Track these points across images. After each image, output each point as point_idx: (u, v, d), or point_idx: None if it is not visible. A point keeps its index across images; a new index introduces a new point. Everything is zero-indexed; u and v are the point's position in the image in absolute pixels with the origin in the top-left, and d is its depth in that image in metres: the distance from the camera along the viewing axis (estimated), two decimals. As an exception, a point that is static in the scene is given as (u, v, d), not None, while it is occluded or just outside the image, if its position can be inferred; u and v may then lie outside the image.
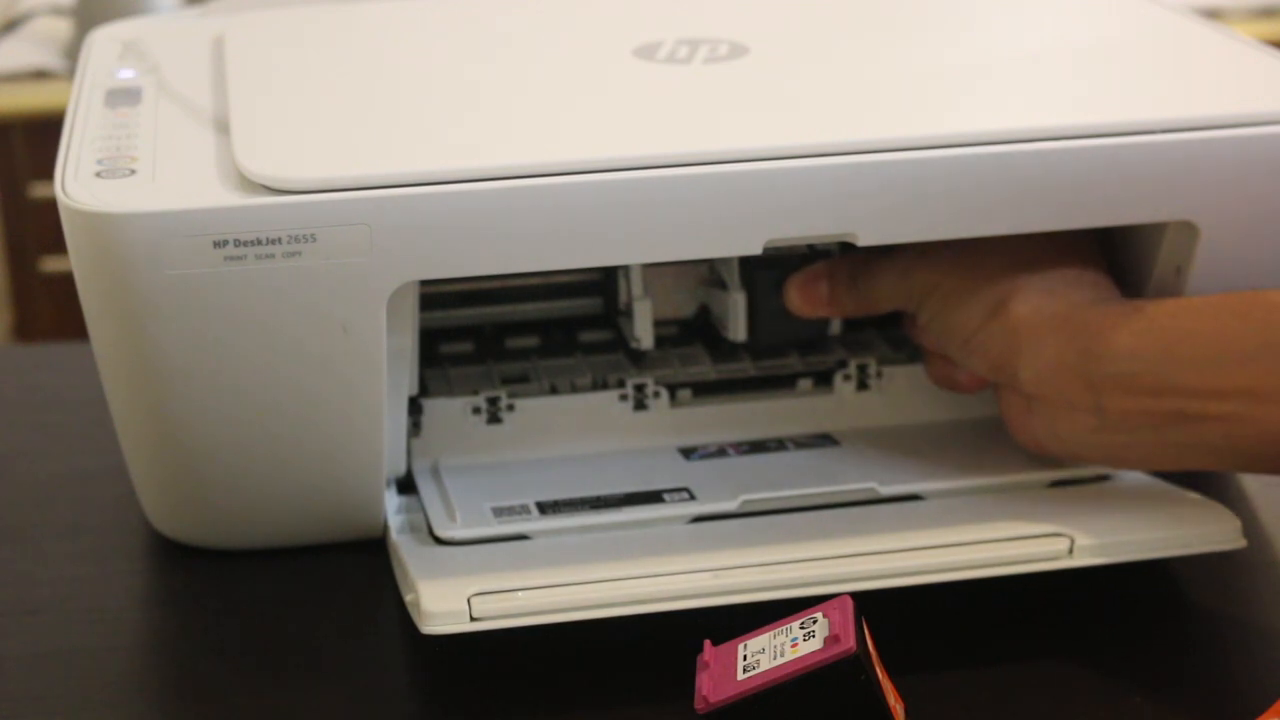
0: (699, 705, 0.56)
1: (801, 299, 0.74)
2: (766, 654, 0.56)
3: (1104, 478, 0.72)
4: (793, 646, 0.56)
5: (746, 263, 0.75)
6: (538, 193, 0.63)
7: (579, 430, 0.76)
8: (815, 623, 0.56)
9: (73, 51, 2.06)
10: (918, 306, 0.72)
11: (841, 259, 0.75)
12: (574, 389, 0.77)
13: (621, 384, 0.77)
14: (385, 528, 0.71)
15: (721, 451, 0.76)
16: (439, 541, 0.69)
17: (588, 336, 0.81)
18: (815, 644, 0.55)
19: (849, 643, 0.54)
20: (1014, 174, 0.66)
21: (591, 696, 0.64)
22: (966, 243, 0.70)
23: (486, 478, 0.74)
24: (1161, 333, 0.66)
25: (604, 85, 0.72)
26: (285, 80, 0.74)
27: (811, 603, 0.58)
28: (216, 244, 0.62)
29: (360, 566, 0.71)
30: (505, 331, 0.81)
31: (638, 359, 0.78)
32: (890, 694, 0.57)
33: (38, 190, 2.03)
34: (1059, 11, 0.83)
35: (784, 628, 0.57)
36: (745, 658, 0.56)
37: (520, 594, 0.63)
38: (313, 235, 0.62)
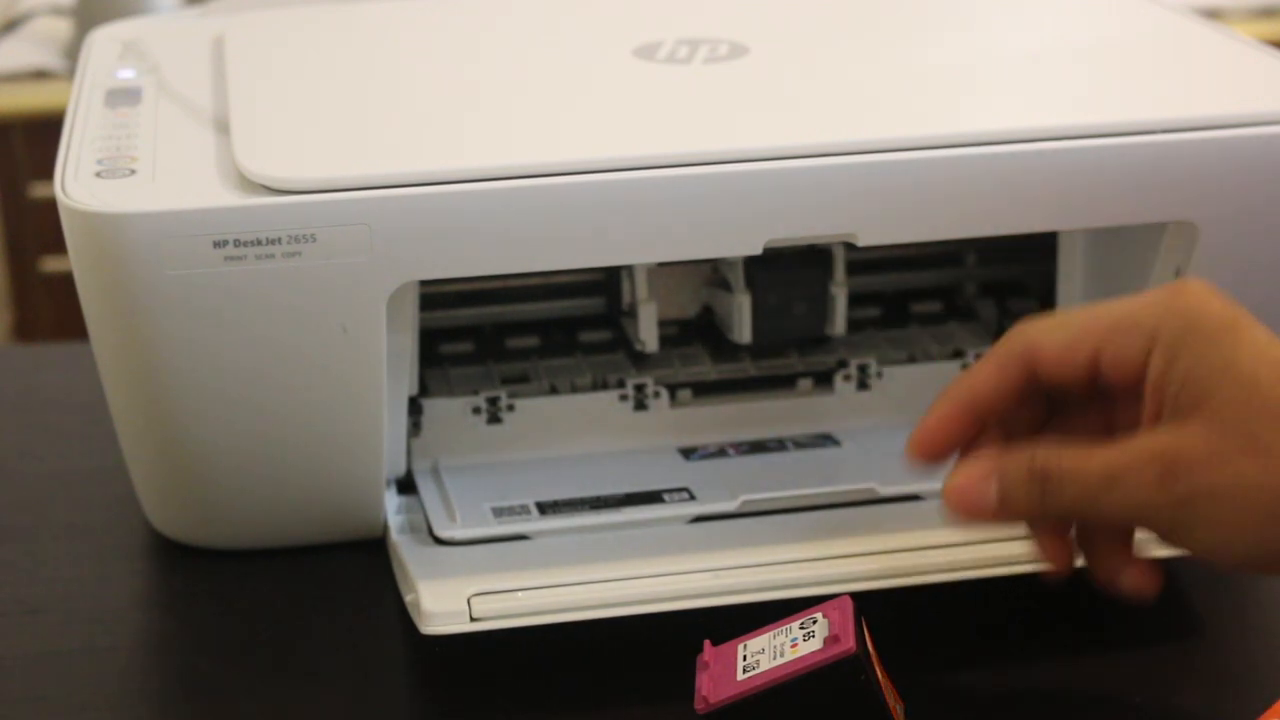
0: (699, 705, 0.56)
1: (961, 503, 0.58)
2: (766, 654, 0.56)
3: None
4: (792, 647, 0.56)
5: (750, 261, 0.75)
6: (538, 193, 0.63)
7: (579, 430, 0.76)
8: (815, 623, 0.56)
9: (73, 51, 2.06)
10: (1184, 534, 0.55)
11: (1020, 452, 0.57)
12: (574, 389, 0.77)
13: (621, 384, 0.77)
14: (385, 528, 0.71)
15: (721, 451, 0.76)
16: (439, 541, 0.69)
17: (588, 336, 0.80)
18: (815, 644, 0.55)
19: (849, 643, 0.54)
20: (1014, 174, 0.66)
21: (591, 696, 0.64)
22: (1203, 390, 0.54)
23: (486, 478, 0.73)
24: None
25: (604, 85, 0.72)
26: (285, 80, 0.74)
27: (811, 603, 0.58)
28: (216, 244, 0.62)
29: (360, 566, 0.71)
30: (505, 331, 0.81)
31: (638, 359, 0.78)
32: (890, 694, 0.57)
33: (38, 190, 2.03)
34: (1059, 11, 0.83)
35: (784, 628, 0.57)
36: (745, 658, 0.56)
37: (520, 594, 0.63)
38: (313, 235, 0.62)
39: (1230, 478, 0.52)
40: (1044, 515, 0.57)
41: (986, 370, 0.58)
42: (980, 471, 0.57)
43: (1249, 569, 0.55)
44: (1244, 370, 0.53)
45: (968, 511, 0.58)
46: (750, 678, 0.55)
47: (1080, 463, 0.55)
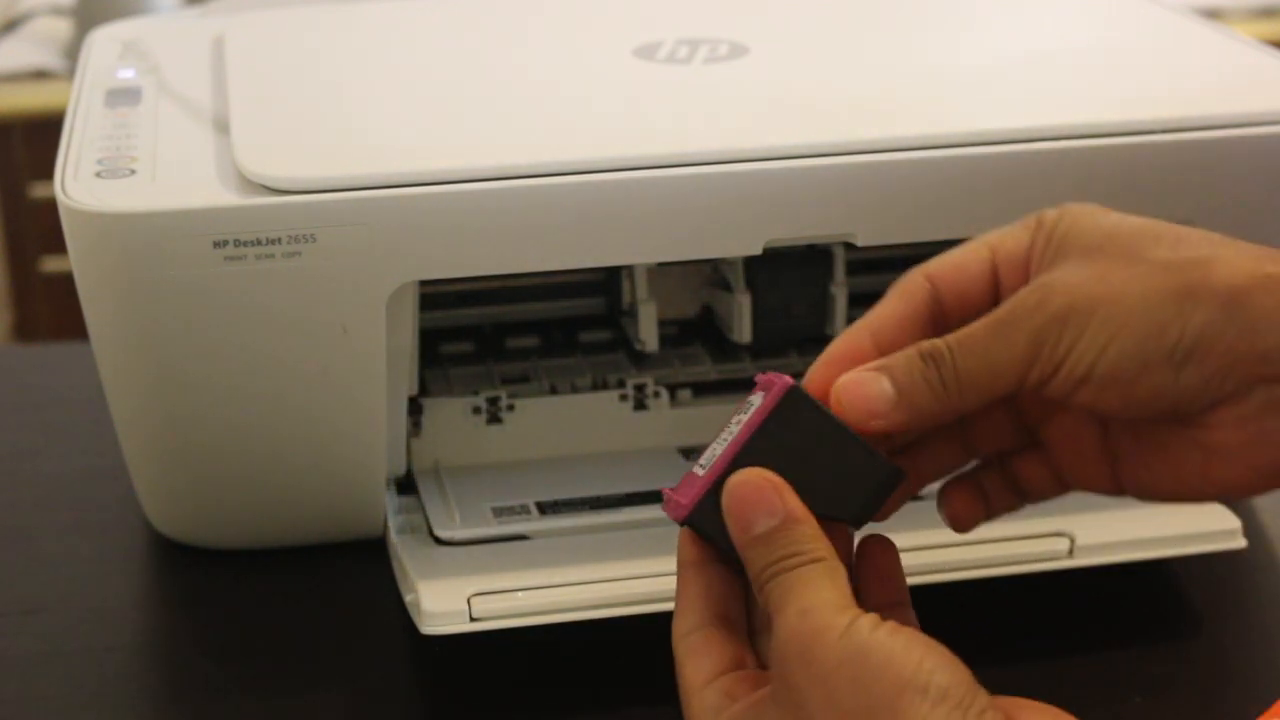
0: (676, 515, 0.53)
1: (855, 398, 0.53)
2: (715, 448, 0.53)
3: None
4: (736, 426, 0.52)
5: (750, 261, 0.75)
6: (538, 193, 0.63)
7: (579, 430, 0.76)
8: (748, 401, 0.53)
9: (73, 51, 2.06)
10: (1066, 353, 0.52)
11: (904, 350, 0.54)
12: (574, 389, 0.77)
13: (621, 384, 0.77)
14: (385, 528, 0.71)
15: (721, 451, 0.76)
16: (439, 541, 0.69)
17: (588, 336, 0.81)
18: (755, 404, 0.52)
19: (785, 379, 0.52)
20: (1014, 174, 0.66)
21: (591, 696, 0.64)
22: (1080, 245, 0.54)
23: (486, 478, 0.73)
24: None
25: (604, 85, 0.72)
26: (285, 80, 0.74)
27: None
28: (216, 244, 0.62)
29: (360, 566, 0.71)
30: (505, 331, 0.81)
31: (638, 359, 0.78)
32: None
33: (38, 190, 2.03)
34: (1059, 11, 0.83)
35: (720, 433, 0.53)
36: (699, 465, 0.53)
37: (520, 594, 0.63)
38: (313, 235, 0.62)
39: (1104, 286, 0.52)
40: (945, 402, 0.53)
41: (888, 303, 0.56)
42: (870, 369, 0.53)
43: (1124, 388, 0.52)
44: (1110, 219, 0.54)
45: (864, 407, 0.53)
46: (710, 469, 0.52)
47: (964, 331, 0.53)
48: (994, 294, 0.55)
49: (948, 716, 0.47)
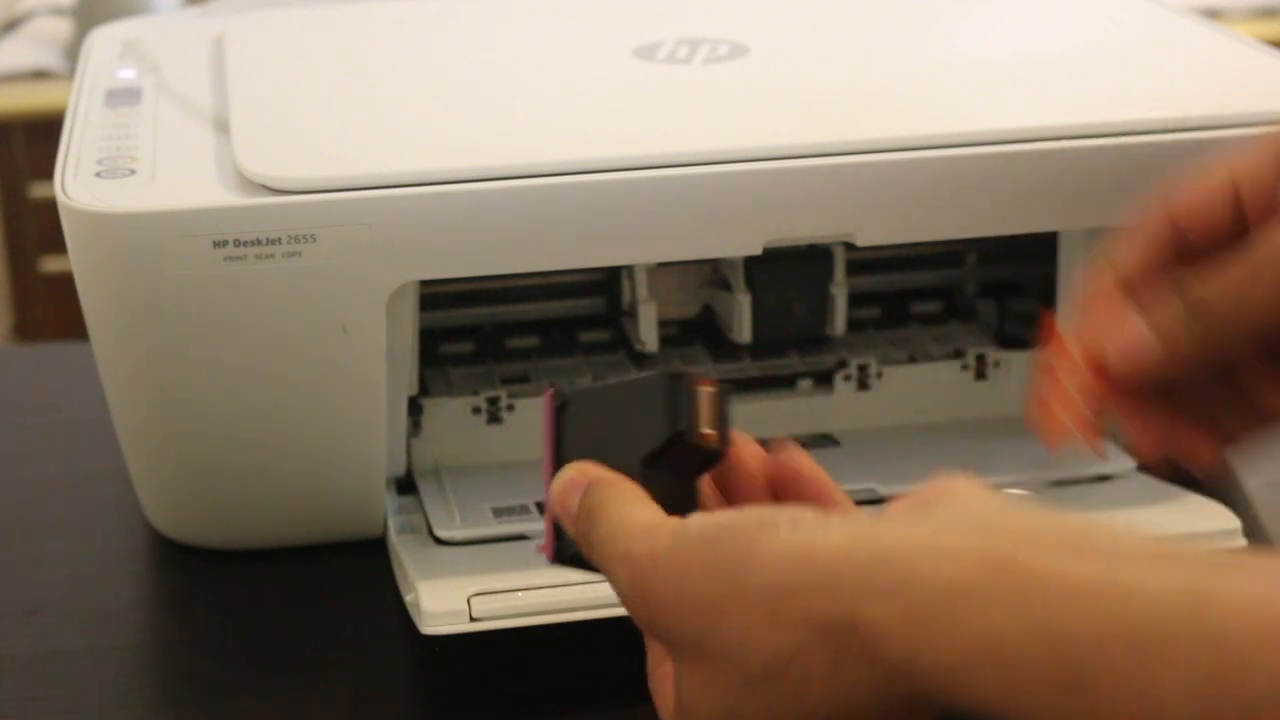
0: (549, 558, 0.54)
1: (1128, 361, 0.55)
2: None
3: (1104, 478, 0.72)
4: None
5: (750, 261, 0.75)
6: (538, 193, 0.63)
7: (579, 430, 0.76)
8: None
9: (73, 51, 2.06)
10: None
11: (1165, 297, 0.55)
12: (574, 389, 0.77)
13: (621, 384, 0.77)
14: (385, 528, 0.71)
15: (721, 451, 0.75)
16: (439, 541, 0.69)
17: (588, 336, 0.80)
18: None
19: (546, 392, 0.54)
20: (1014, 174, 0.66)
21: (592, 696, 0.64)
22: None
23: (486, 478, 0.73)
24: None
25: (604, 85, 0.72)
26: (285, 80, 0.74)
27: None
28: (216, 244, 0.62)
29: (360, 566, 0.71)
30: (505, 331, 0.81)
31: (638, 359, 0.78)
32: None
33: (38, 190, 2.03)
34: (1059, 11, 0.83)
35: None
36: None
37: (520, 594, 0.63)
38: (313, 235, 0.62)
39: None
40: (1205, 347, 0.54)
41: (1134, 247, 0.57)
42: (1136, 324, 0.55)
43: None
44: None
45: (1128, 356, 0.54)
46: (547, 507, 0.54)
47: (1221, 278, 0.54)
48: (1239, 219, 0.55)
49: (810, 532, 0.43)
